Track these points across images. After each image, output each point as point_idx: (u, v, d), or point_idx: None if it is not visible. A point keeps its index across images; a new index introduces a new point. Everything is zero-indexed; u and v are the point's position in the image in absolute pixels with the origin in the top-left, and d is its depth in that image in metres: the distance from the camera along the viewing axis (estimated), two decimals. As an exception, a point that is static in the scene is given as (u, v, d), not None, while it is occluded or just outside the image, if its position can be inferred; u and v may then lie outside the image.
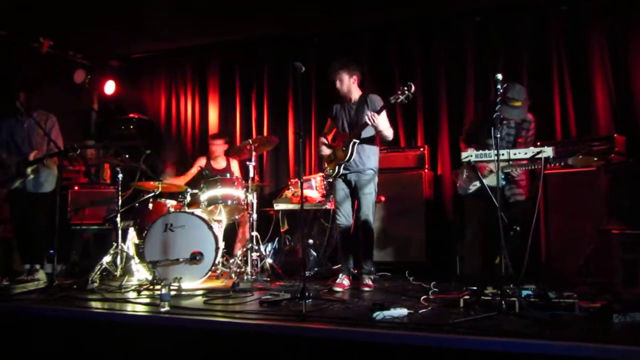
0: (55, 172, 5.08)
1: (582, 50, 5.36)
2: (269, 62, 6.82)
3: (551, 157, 3.21)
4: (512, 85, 3.84)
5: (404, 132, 6.09)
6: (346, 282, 4.38)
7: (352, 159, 4.33)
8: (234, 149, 5.71)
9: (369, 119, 4.16)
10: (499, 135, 3.93)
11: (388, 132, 4.36)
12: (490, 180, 3.89)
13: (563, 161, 3.78)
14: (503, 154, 3.26)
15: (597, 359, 2.33)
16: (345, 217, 4.47)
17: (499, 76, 3.33)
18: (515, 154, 3.30)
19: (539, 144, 4.28)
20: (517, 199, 4.14)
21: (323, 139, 4.72)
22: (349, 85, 4.45)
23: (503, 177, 3.92)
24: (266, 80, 6.84)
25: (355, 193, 4.44)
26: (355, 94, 4.51)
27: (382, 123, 4.28)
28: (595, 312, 3.10)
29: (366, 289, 4.25)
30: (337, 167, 4.41)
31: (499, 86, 3.34)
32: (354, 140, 4.31)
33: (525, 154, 3.29)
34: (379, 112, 4.19)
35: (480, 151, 3.39)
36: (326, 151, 4.63)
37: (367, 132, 4.35)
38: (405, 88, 4.06)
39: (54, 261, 4.52)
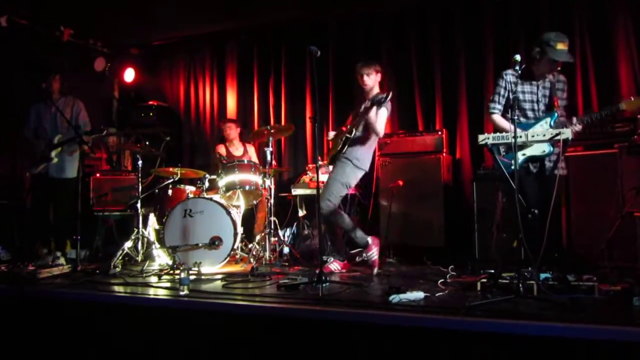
0: (77, 157, 5.17)
1: (605, 31, 5.22)
2: (287, 47, 6.81)
3: (570, 139, 3.15)
4: (549, 33, 3.72)
5: (422, 115, 6.03)
6: (333, 266, 4.44)
7: (343, 151, 4.38)
8: (251, 134, 5.73)
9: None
10: (534, 99, 3.80)
11: (377, 125, 4.33)
12: (533, 150, 3.64)
13: (615, 108, 3.57)
14: (521, 136, 3.21)
15: (616, 342, 2.30)
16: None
17: (518, 57, 3.25)
18: (533, 136, 3.24)
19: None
20: (556, 172, 3.72)
21: None
22: (374, 81, 4.50)
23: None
24: (284, 65, 6.83)
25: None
26: (375, 91, 4.52)
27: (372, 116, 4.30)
28: (615, 295, 3.06)
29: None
30: (330, 157, 4.56)
31: (517, 67, 3.28)
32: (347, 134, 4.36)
33: (544, 136, 3.23)
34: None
35: (497, 133, 3.33)
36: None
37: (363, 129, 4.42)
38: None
39: (78, 246, 4.63)
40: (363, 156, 4.42)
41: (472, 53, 5.84)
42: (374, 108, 4.22)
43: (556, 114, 3.69)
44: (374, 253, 4.35)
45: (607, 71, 5.19)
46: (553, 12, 5.46)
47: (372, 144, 4.51)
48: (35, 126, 5.23)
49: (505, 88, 3.83)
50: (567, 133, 3.16)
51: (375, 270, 4.30)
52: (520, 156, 3.61)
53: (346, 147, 4.35)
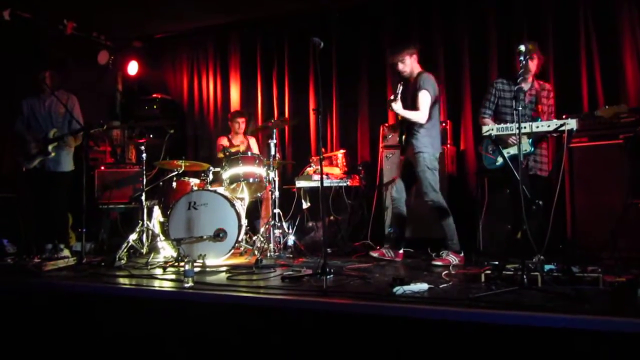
0: (72, 151, 5.21)
1: (611, 22, 5.18)
2: (290, 39, 6.80)
3: (575, 129, 3.13)
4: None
5: (427, 107, 6.01)
6: (386, 252, 4.53)
7: (402, 139, 4.50)
8: (255, 129, 5.73)
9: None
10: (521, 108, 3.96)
11: (411, 116, 4.37)
12: (516, 149, 3.85)
13: (590, 117, 3.97)
14: (525, 127, 3.20)
15: (621, 333, 2.30)
16: (397, 191, 4.56)
17: (522, 47, 3.25)
18: (537, 127, 3.23)
19: (564, 116, 4.17)
20: (538, 174, 4.19)
21: None
22: (411, 64, 4.51)
23: (530, 142, 3.98)
24: (287, 57, 6.82)
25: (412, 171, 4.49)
26: (416, 71, 4.53)
27: (400, 111, 4.35)
28: (620, 286, 3.05)
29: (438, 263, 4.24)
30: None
31: (522, 58, 3.26)
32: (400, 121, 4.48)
33: (549, 126, 3.21)
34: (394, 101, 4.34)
35: (502, 125, 3.32)
36: None
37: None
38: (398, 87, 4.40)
39: (83, 239, 4.65)
40: (425, 141, 4.38)
41: (475, 44, 5.81)
42: (418, 93, 4.33)
43: (539, 120, 3.85)
44: (454, 259, 4.26)
45: (612, 62, 5.15)
46: (557, 3, 5.41)
47: (430, 126, 4.41)
48: (27, 120, 5.21)
49: (495, 95, 4.31)
50: (572, 123, 3.14)
51: (437, 263, 4.22)
52: (505, 154, 3.87)
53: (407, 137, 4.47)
